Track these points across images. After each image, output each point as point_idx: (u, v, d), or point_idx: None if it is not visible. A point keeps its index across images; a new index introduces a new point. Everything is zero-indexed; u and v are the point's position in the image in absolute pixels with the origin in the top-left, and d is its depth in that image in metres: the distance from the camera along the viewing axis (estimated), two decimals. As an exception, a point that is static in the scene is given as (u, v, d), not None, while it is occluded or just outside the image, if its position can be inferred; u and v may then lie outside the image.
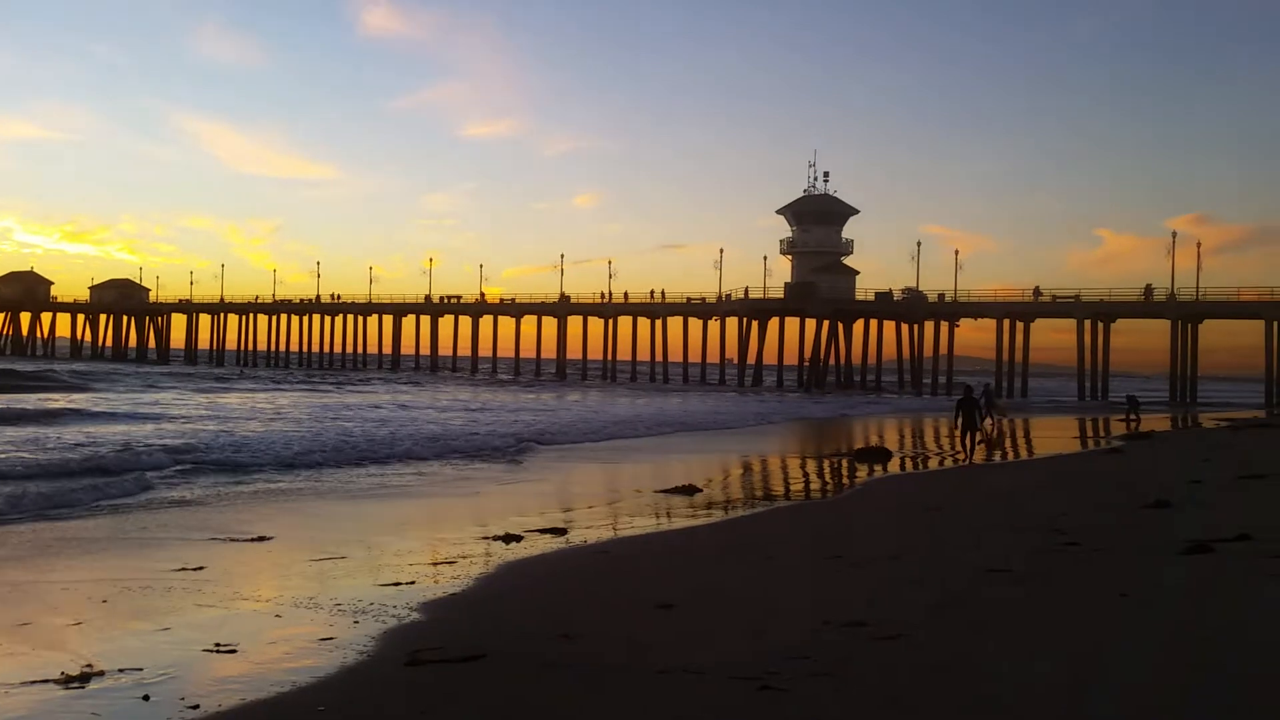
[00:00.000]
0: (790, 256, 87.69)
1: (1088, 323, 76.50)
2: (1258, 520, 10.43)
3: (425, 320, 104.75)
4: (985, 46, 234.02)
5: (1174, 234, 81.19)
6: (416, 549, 10.64)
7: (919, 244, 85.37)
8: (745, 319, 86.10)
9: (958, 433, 24.25)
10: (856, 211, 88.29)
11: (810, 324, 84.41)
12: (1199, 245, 76.88)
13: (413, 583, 8.63)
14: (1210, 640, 5.77)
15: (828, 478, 20.76)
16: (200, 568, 9.12)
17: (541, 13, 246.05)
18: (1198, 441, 28.98)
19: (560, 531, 11.68)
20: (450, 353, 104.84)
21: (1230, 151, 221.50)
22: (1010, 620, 6.61)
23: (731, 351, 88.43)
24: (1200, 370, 78.78)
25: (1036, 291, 78.69)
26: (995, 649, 5.88)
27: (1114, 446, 27.01)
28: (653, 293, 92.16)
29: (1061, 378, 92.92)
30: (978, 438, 23.76)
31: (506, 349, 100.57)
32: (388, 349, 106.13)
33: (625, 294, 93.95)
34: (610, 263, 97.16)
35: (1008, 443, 29.97)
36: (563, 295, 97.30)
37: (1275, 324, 70.16)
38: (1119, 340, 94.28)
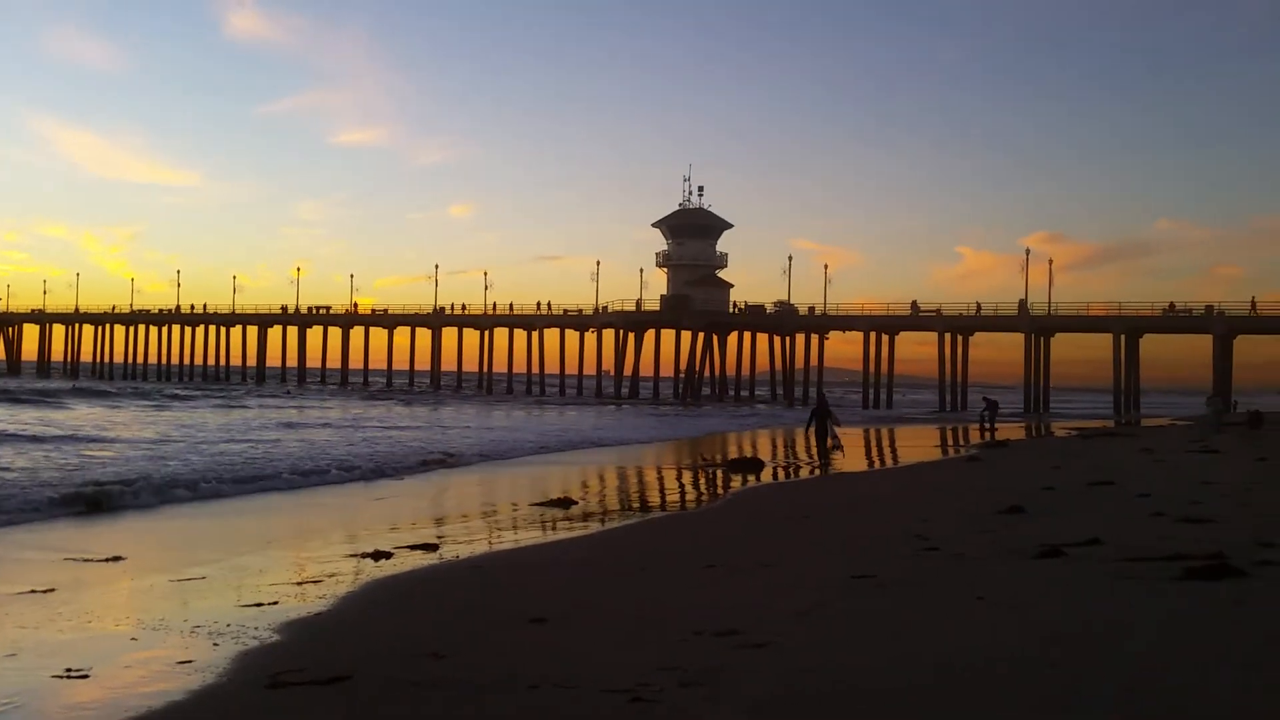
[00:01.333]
0: (666, 269, 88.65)
1: (948, 336, 79.52)
2: (1106, 525, 10.99)
3: (293, 331, 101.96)
4: (854, 68, 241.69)
5: (1028, 251, 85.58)
6: (282, 568, 10.33)
7: (790, 258, 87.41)
8: (622, 331, 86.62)
9: (813, 441, 25.56)
10: (730, 225, 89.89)
11: (686, 336, 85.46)
12: (1051, 262, 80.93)
13: (276, 603, 8.35)
14: (1059, 638, 6.03)
15: (702, 488, 20.99)
16: (50, 590, 8.66)
17: (416, 20, 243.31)
18: (1050, 450, 30.35)
19: (432, 547, 11.49)
20: (319, 365, 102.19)
21: (1080, 174, 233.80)
22: (875, 625, 6.78)
23: (609, 363, 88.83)
24: (1053, 381, 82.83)
25: (915, 306, 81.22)
26: (860, 653, 6.02)
27: (972, 455, 28.08)
28: (539, 304, 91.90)
29: (925, 389, 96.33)
30: (829, 444, 25.08)
31: (379, 361, 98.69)
32: (252, 361, 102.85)
33: (508, 304, 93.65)
34: (486, 274, 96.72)
35: (874, 452, 30.88)
36: (438, 306, 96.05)
37: (1122, 337, 74.22)
38: (977, 353, 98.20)
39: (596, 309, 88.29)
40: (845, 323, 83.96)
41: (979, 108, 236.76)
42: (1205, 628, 6.17)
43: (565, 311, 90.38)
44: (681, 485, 21.71)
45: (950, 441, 39.06)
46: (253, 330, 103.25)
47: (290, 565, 10.56)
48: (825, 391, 38.54)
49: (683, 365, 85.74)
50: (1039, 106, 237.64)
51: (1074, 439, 37.31)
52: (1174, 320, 74.27)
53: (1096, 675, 5.30)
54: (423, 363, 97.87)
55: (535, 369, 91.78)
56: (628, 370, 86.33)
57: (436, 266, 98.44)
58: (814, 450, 25.93)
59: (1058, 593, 7.50)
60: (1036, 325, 76.80)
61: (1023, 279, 78.10)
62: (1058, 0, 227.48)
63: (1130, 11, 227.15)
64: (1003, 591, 7.57)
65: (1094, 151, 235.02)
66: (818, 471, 23.83)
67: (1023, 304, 77.13)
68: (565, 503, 15.97)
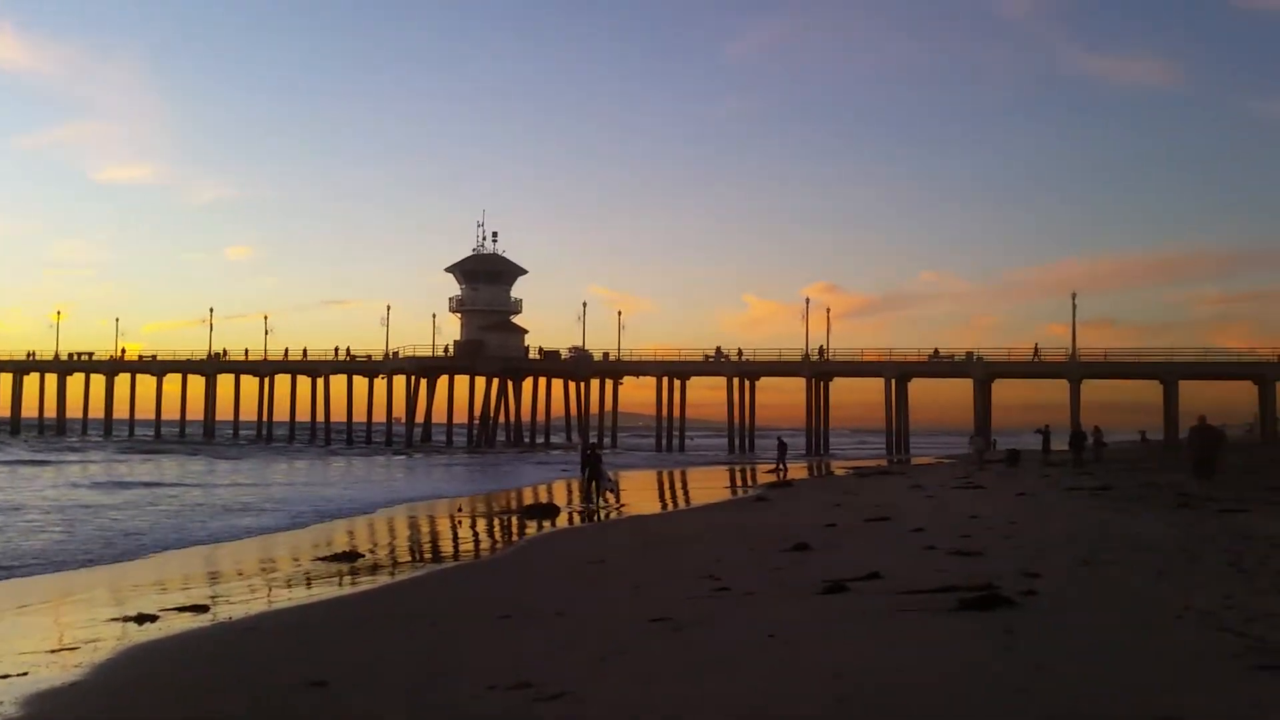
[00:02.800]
0: (460, 314, 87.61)
1: (736, 380, 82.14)
2: (885, 559, 11.45)
3: (52, 379, 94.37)
4: (644, 122, 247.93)
5: (807, 300, 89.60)
6: (35, 635, 9.36)
7: (585, 305, 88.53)
8: (414, 377, 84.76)
9: (592, 489, 26.73)
10: (525, 271, 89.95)
11: (480, 382, 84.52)
12: (829, 311, 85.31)
13: (25, 674, 7.54)
14: (848, 672, 6.15)
15: (496, 536, 20.61)
16: None
17: (197, 50, 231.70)
18: (831, 488, 31.64)
19: (203, 608, 10.69)
20: (81, 415, 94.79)
21: (853, 229, 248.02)
22: (671, 669, 6.73)
23: (399, 410, 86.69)
24: (832, 423, 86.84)
25: (719, 351, 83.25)
26: (657, 698, 5.95)
27: (760, 495, 28.90)
28: (305, 351, 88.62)
29: (712, 433, 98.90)
30: (604, 489, 26.54)
31: (147, 410, 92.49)
32: (6, 410, 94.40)
33: (295, 349, 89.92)
34: (266, 318, 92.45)
35: (666, 494, 31.31)
36: (213, 352, 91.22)
37: (893, 381, 78.72)
38: (764, 396, 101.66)
39: (387, 354, 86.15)
40: (638, 368, 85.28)
41: (760, 164, 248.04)
42: (980, 656, 6.44)
43: (353, 357, 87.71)
44: (475, 534, 21.25)
45: (739, 482, 40.11)
46: (7, 377, 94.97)
47: (45, 632, 9.58)
48: (599, 437, 40.41)
49: (477, 411, 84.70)
50: (815, 165, 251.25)
51: (852, 477, 39.06)
52: (939, 365, 79.51)
53: (885, 708, 5.42)
54: (196, 412, 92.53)
55: (320, 418, 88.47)
56: (420, 417, 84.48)
57: (211, 310, 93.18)
58: (592, 495, 26.81)
59: (844, 627, 7.69)
60: (817, 370, 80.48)
61: (804, 326, 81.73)
62: (828, 68, 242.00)
63: (886, 81, 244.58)
64: (792, 629, 7.69)
65: (865, 208, 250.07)
66: (611, 515, 23.90)
67: (823, 349, 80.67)
68: (351, 556, 15.29)
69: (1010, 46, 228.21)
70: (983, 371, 76.40)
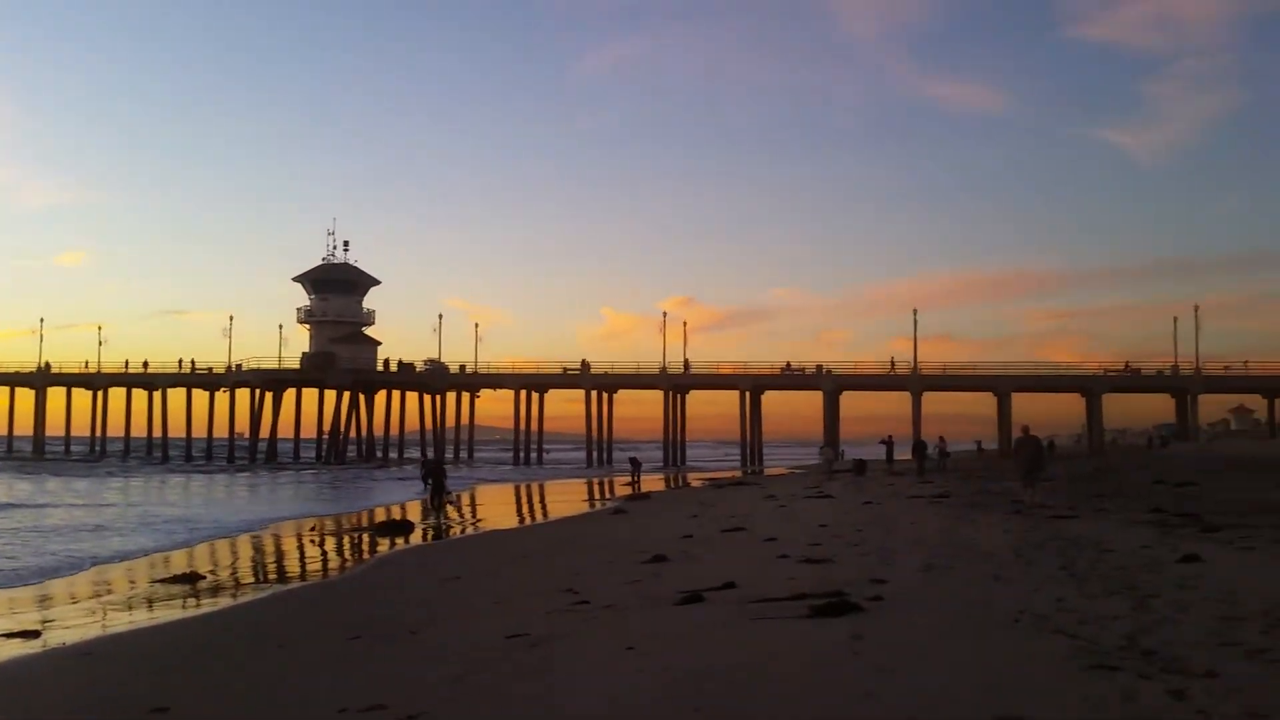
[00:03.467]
0: (309, 326, 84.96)
1: (594, 393, 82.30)
2: (740, 569, 11.65)
3: None
4: (500, 133, 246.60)
5: (664, 314, 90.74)
6: None
7: (441, 316, 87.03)
8: (258, 390, 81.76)
9: (439, 499, 27.87)
10: (378, 282, 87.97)
11: (330, 395, 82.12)
12: (685, 325, 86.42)
13: None
14: (703, 678, 6.22)
15: (347, 555, 20.05)
16: None
17: (27, 46, 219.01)
18: (688, 500, 32.00)
19: (33, 634, 10.05)
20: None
21: (709, 244, 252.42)
22: (530, 685, 6.68)
23: (244, 425, 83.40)
24: (690, 435, 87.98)
25: (585, 364, 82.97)
26: (514, 714, 5.89)
27: (618, 507, 29.00)
28: (145, 364, 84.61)
29: (570, 446, 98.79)
30: (444, 502, 27.67)
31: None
32: None
33: (138, 362, 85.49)
34: (100, 328, 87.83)
35: (524, 508, 31.09)
36: (42, 364, 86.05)
37: (748, 394, 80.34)
38: (622, 409, 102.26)
39: (229, 367, 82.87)
40: (496, 381, 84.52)
41: (618, 178, 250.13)
42: (831, 661, 6.62)
43: (194, 369, 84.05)
44: (324, 552, 20.61)
45: (597, 495, 40.16)
46: None
47: None
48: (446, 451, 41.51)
49: (326, 426, 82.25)
50: (672, 181, 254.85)
51: (709, 489, 39.63)
52: (791, 379, 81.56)
53: (742, 714, 5.50)
54: (24, 427, 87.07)
55: (158, 433, 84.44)
56: (265, 432, 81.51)
57: (41, 320, 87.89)
58: (434, 509, 27.66)
59: (702, 636, 7.78)
60: (674, 383, 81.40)
61: (661, 339, 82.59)
62: (682, 86, 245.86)
63: (739, 100, 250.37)
64: (650, 640, 7.74)
65: (721, 224, 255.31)
66: (468, 530, 23.59)
67: (688, 363, 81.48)
68: (192, 578, 14.64)
69: (857, 70, 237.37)
70: (832, 384, 78.75)
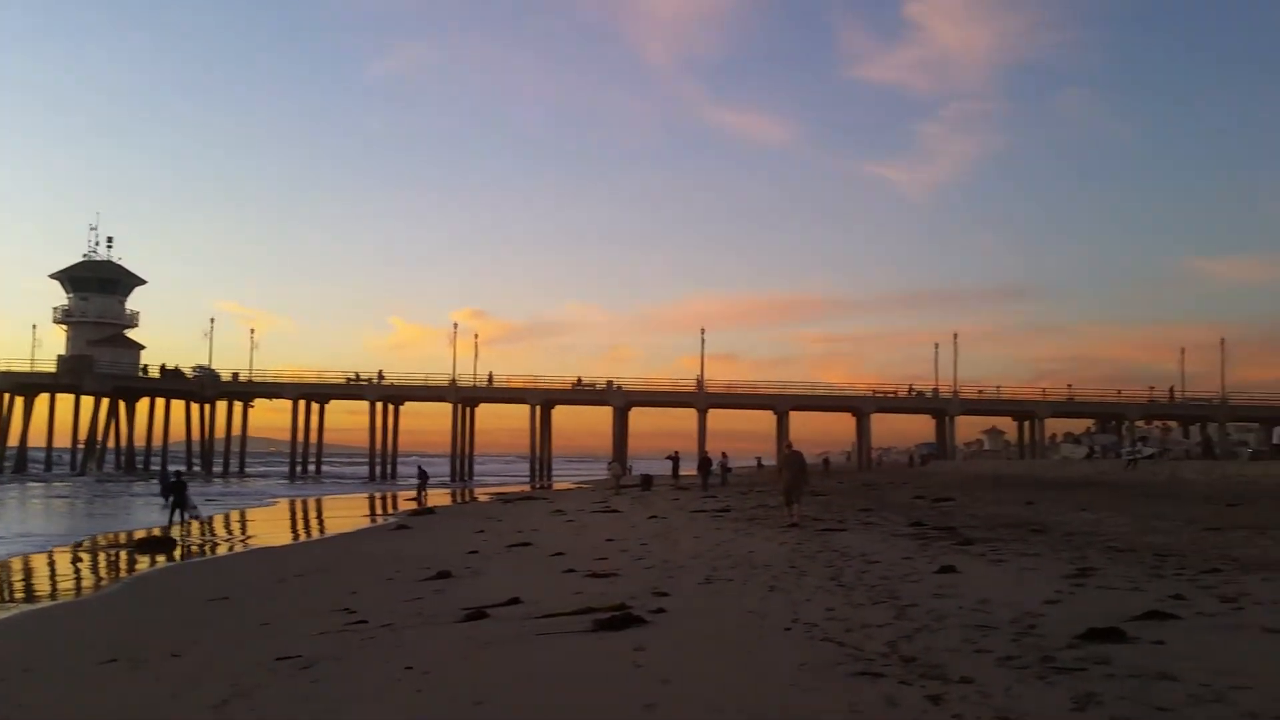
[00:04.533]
0: (66, 326, 78.67)
1: (379, 405, 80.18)
2: (525, 584, 11.56)
3: None
4: (281, 133, 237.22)
5: (455, 325, 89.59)
6: None
7: (213, 320, 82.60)
8: (8, 395, 75.04)
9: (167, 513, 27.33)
10: (144, 282, 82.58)
11: (88, 401, 76.29)
12: (476, 337, 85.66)
13: None
14: (484, 697, 6.11)
15: (102, 573, 18.61)
16: None
17: None
18: (475, 515, 31.59)
19: None
20: None
21: (502, 257, 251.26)
22: (299, 709, 6.37)
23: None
24: (479, 449, 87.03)
25: (380, 374, 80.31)
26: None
27: (401, 523, 28.27)
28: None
29: (352, 459, 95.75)
30: (190, 517, 27.37)
31: None
32: None
33: None
34: None
35: (300, 524, 29.82)
36: None
37: (538, 408, 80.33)
38: (409, 422, 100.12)
39: (-27, 369, 75.67)
40: (273, 390, 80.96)
41: (406, 185, 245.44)
42: (614, 674, 6.64)
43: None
44: (76, 570, 19.07)
45: (379, 510, 39.04)
46: None
47: None
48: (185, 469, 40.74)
49: (83, 434, 76.29)
50: (463, 190, 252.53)
51: (496, 503, 39.26)
52: (581, 393, 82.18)
53: (520, 734, 5.43)
54: None
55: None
56: (14, 440, 74.81)
57: None
58: (174, 522, 26.98)
59: (484, 654, 7.65)
60: (463, 396, 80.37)
61: (451, 351, 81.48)
62: (475, 96, 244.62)
63: (538, 115, 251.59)
64: (430, 658, 7.54)
65: (514, 237, 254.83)
66: (239, 547, 22.41)
67: (492, 375, 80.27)
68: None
69: (650, 94, 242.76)
70: (621, 400, 79.89)
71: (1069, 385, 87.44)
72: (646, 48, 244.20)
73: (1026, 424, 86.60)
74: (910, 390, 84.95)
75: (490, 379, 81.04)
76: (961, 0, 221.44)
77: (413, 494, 43.91)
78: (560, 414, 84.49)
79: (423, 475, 44.04)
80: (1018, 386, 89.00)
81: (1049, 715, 5.23)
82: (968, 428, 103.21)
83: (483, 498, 47.46)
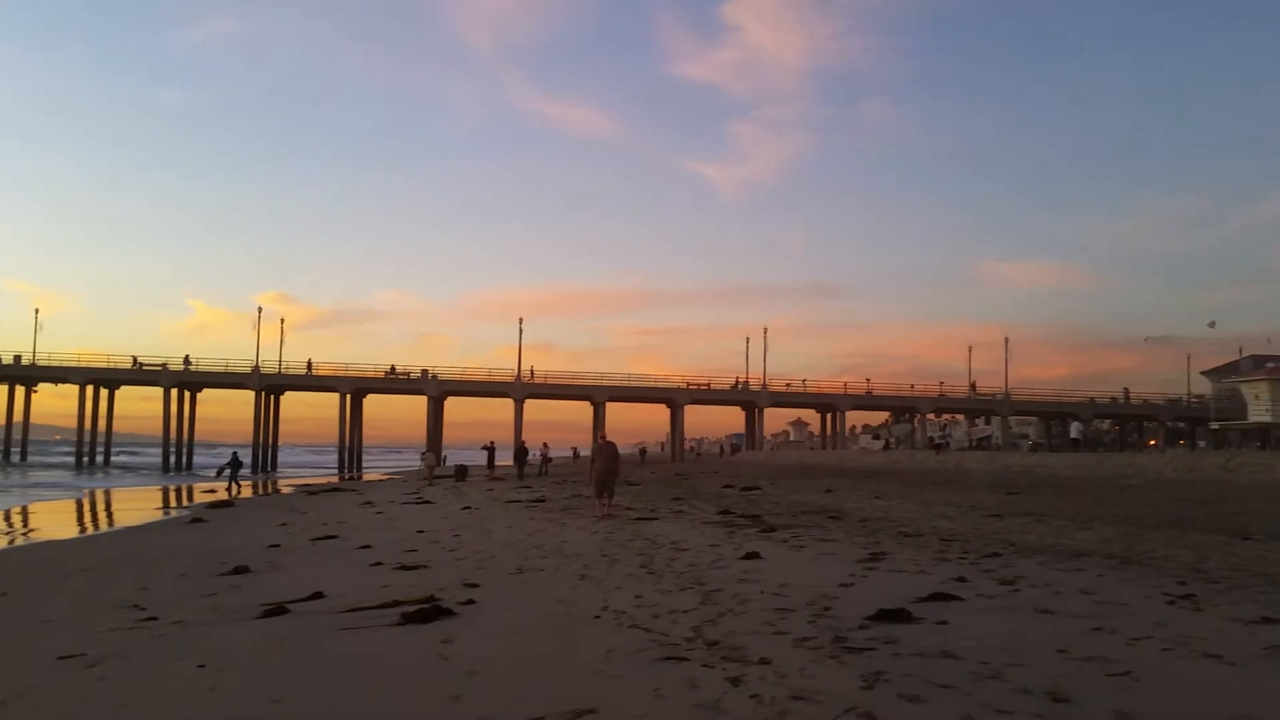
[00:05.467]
0: None
1: (175, 392, 76.08)
2: (330, 578, 11.24)
3: None
4: (77, 98, 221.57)
5: (260, 309, 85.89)
6: None
7: (-8, 299, 76.20)
8: None
9: None
10: (-92, 255, 75.40)
11: None
12: (283, 322, 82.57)
13: None
14: (283, 694, 5.92)
15: None
16: None
17: None
18: (278, 507, 30.44)
19: None
20: None
21: (311, 237, 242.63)
22: (82, 709, 5.99)
23: None
24: (282, 439, 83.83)
25: (188, 359, 75.79)
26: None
27: (197, 516, 26.94)
28: None
29: (146, 448, 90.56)
30: None
31: None
32: None
33: None
34: None
35: (87, 517, 27.98)
36: None
37: (348, 397, 78.07)
38: (206, 410, 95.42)
39: None
40: (58, 374, 75.58)
41: (210, 158, 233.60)
42: (420, 668, 6.55)
43: None
44: None
45: (174, 502, 37.06)
46: None
47: None
48: None
49: None
50: (271, 168, 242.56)
51: (301, 495, 37.93)
52: (394, 382, 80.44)
53: (320, 731, 5.29)
54: None
55: None
56: None
57: None
58: None
59: (283, 650, 7.40)
60: (267, 383, 77.23)
61: (255, 336, 78.15)
62: (288, 71, 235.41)
63: (349, 93, 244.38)
64: (225, 656, 7.24)
65: (324, 219, 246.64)
66: (18, 540, 20.83)
67: (311, 363, 76.97)
68: None
69: (472, 79, 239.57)
70: (436, 389, 78.66)
71: (868, 380, 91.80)
72: (469, 32, 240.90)
73: (829, 416, 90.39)
74: (735, 383, 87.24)
75: (310, 366, 78.20)
76: (776, 5, 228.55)
77: (214, 486, 41.79)
78: (372, 403, 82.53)
79: (237, 464, 41.65)
80: (822, 380, 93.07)
81: (840, 693, 5.49)
82: (776, 419, 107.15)
83: (287, 490, 45.75)
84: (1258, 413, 55.03)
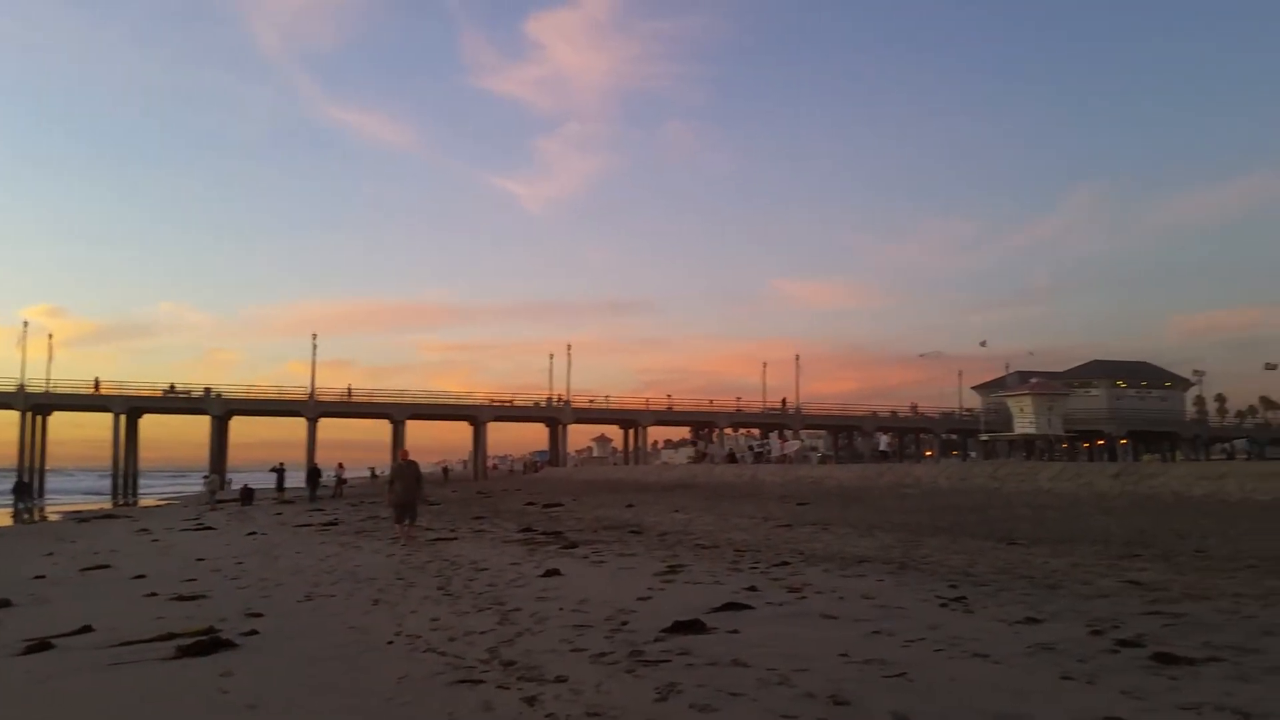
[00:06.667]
0: None
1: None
2: (100, 610, 10.47)
3: None
4: None
5: (26, 324, 79.44)
6: None
7: None
8: None
9: None
10: None
11: None
12: (51, 337, 76.50)
13: None
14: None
15: None
16: None
17: None
18: (43, 535, 28.15)
19: None
20: None
21: (84, 248, 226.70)
22: None
23: None
24: (55, 462, 77.83)
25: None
26: None
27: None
28: None
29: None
30: None
31: None
32: None
33: None
34: None
35: None
36: None
37: (123, 417, 73.18)
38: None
39: None
40: None
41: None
42: (195, 703, 6.17)
43: None
44: None
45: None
46: None
47: None
48: None
49: None
50: (42, 175, 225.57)
51: (69, 523, 35.22)
52: (174, 401, 76.01)
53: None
54: None
55: None
56: None
57: None
58: None
59: (46, 689, 6.82)
60: (33, 403, 71.50)
61: (20, 352, 72.23)
62: (59, 71, 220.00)
63: (132, 96, 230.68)
64: (-25, 702, 6.61)
65: (98, 228, 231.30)
66: None
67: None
68: None
69: (264, 83, 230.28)
70: (221, 408, 74.86)
71: (669, 396, 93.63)
72: (261, 34, 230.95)
73: (631, 432, 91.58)
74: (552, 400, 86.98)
75: (97, 385, 72.78)
76: (580, 24, 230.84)
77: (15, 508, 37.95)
78: (151, 424, 77.66)
79: (23, 489, 37.74)
80: (625, 396, 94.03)
81: (635, 707, 5.54)
82: (579, 435, 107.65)
83: (53, 517, 42.38)
84: (1022, 425, 59.37)
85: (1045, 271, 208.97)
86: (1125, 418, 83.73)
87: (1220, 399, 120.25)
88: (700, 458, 68.81)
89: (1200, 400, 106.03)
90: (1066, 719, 5.13)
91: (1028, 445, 61.67)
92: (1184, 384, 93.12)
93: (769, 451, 60.88)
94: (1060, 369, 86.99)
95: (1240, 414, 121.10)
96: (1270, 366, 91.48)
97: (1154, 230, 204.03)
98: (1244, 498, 23.07)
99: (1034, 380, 66.73)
